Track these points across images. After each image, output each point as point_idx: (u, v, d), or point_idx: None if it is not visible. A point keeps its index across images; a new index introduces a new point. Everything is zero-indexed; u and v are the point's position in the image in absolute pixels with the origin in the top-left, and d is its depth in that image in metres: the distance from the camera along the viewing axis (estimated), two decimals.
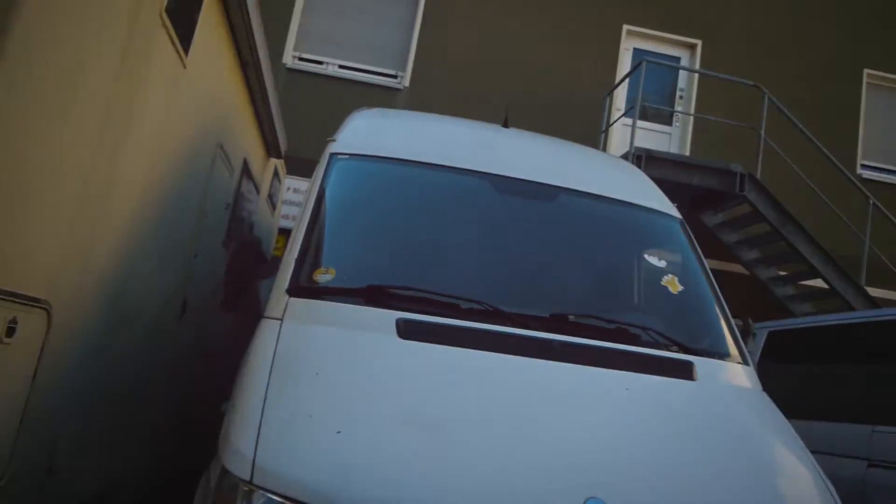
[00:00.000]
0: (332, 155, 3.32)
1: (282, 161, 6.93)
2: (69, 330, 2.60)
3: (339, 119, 10.09)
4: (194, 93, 3.74)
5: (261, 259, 3.08)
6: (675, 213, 3.64)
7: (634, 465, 2.10)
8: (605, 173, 3.75)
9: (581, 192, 3.35)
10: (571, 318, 2.73)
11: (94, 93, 2.56)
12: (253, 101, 5.17)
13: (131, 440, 3.63)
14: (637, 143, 8.27)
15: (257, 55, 4.60)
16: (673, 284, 3.11)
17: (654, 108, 9.78)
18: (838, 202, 8.50)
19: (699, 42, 10.75)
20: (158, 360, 3.79)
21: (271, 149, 6.11)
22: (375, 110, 4.16)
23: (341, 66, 10.18)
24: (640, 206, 3.47)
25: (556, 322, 2.68)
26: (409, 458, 1.97)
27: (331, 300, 2.61)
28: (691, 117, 10.18)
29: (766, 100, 8.57)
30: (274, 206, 7.02)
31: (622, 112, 9.82)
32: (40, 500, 2.55)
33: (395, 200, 3.17)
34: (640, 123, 8.71)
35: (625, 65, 10.52)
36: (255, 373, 2.31)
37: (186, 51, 3.44)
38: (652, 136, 10.00)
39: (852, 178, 8.75)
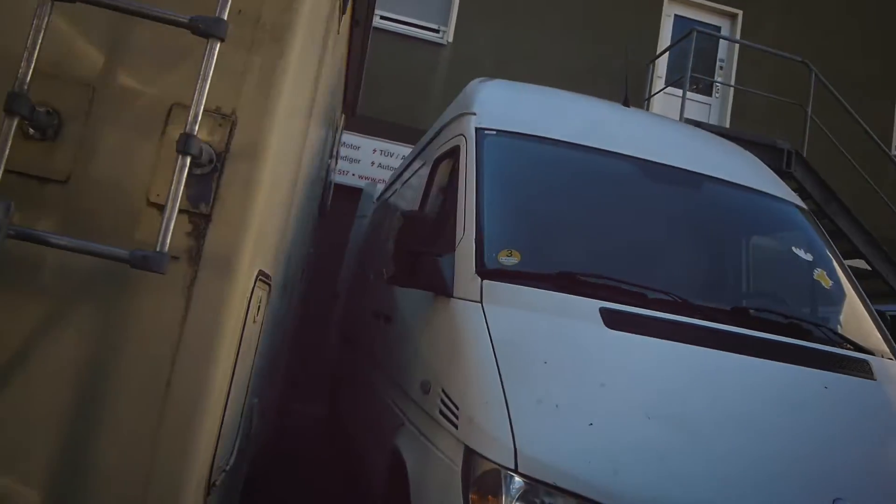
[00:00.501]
0: (478, 130, 3.31)
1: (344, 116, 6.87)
2: (272, 300, 2.63)
3: (384, 71, 9.90)
4: (337, 56, 3.70)
5: (427, 233, 3.10)
6: (803, 204, 3.72)
7: (864, 466, 2.22)
8: (736, 162, 3.81)
9: (730, 182, 3.41)
10: (752, 311, 2.82)
11: (308, 81, 2.55)
12: (349, 58, 5.10)
13: (273, 390, 3.71)
14: (675, 114, 8.30)
15: (371, 14, 4.54)
16: (824, 279, 3.21)
17: (705, 79, 9.75)
18: (874, 182, 8.65)
19: (740, 12, 10.70)
20: (289, 317, 3.84)
21: (350, 107, 6.05)
22: (497, 81, 4.11)
23: (382, 17, 10.00)
24: (780, 198, 3.55)
25: (738, 315, 2.77)
26: (666, 454, 2.06)
27: (523, 284, 2.65)
28: (731, 89, 10.19)
29: (814, 76, 8.61)
30: (336, 163, 6.98)
31: (663, 80, 9.81)
32: (238, 467, 2.61)
33: (562, 184, 3.20)
34: (679, 93, 8.70)
35: (666, 32, 10.46)
36: (477, 357, 2.36)
37: (342, 15, 3.40)
38: (692, 107, 10.01)
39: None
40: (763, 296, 3.15)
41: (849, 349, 2.83)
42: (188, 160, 1.64)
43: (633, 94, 9.54)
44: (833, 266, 3.34)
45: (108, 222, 1.75)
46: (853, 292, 3.24)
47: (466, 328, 2.52)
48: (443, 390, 2.49)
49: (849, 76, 10.14)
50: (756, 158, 4.08)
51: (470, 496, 2.13)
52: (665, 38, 10.29)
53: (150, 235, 1.73)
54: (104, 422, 1.68)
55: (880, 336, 3.05)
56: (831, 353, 2.72)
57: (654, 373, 2.35)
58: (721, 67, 10.50)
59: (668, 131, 3.91)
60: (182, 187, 1.63)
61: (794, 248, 3.34)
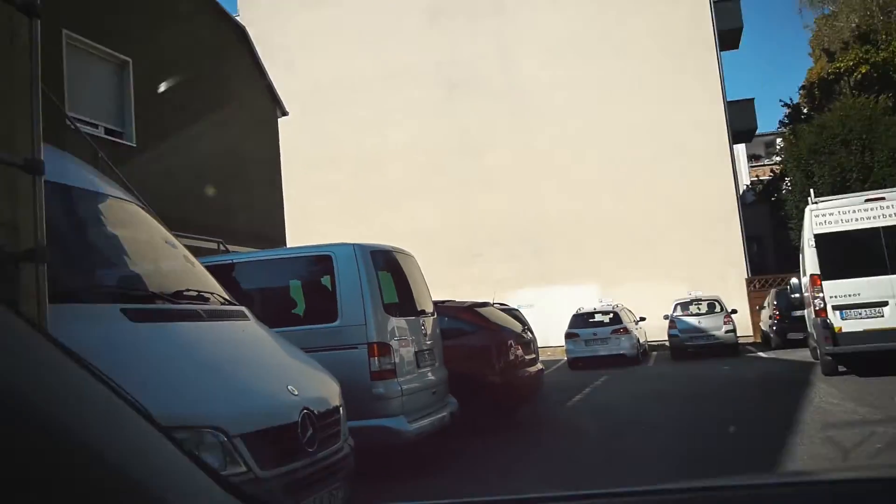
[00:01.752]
0: None
1: None
2: None
3: None
4: None
5: None
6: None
7: (288, 366, 4.11)
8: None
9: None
10: (185, 292, 4.24)
11: None
12: None
13: None
14: None
15: None
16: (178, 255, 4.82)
17: None
18: None
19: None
20: None
21: None
22: None
23: None
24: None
25: (180, 296, 4.17)
26: (232, 386, 3.51)
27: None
28: None
29: None
30: None
31: None
32: None
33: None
34: None
35: None
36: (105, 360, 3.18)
37: None
38: None
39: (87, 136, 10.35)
40: (172, 276, 4.53)
41: (231, 304, 4.58)
42: None
43: None
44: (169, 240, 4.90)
45: None
46: (187, 255, 4.87)
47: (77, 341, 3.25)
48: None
49: None
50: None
51: None
52: None
53: None
54: None
55: (217, 285, 4.83)
56: (233, 309, 4.43)
57: (187, 340, 3.67)
58: None
59: None
60: None
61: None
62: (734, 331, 19.57)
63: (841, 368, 12.26)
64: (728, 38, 30.33)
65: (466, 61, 27.92)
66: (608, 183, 26.06)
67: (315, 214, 25.61)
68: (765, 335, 21.36)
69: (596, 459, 7.03)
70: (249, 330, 4.37)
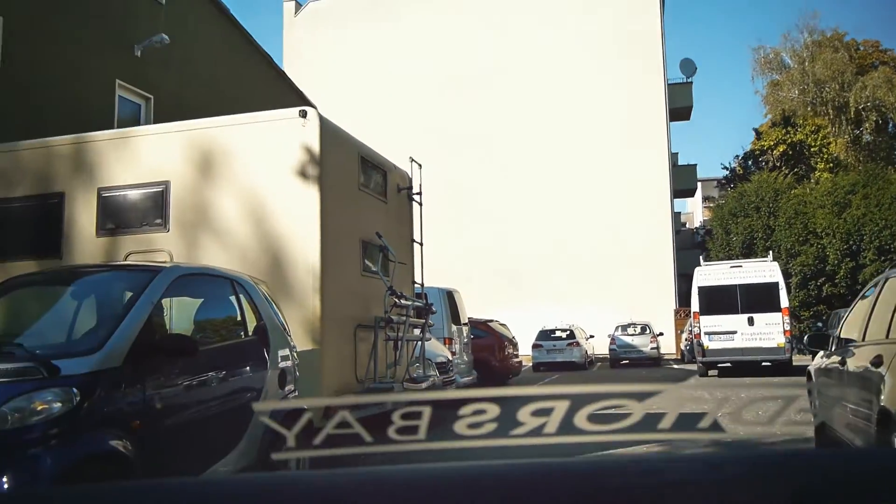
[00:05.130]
0: None
1: None
2: None
3: None
4: None
5: None
6: None
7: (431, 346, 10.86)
8: None
9: None
10: None
11: None
12: None
13: None
14: None
15: None
16: None
17: None
18: None
19: (152, 96, 16.58)
20: None
21: None
22: None
23: None
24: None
25: None
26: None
27: None
28: None
29: None
30: None
31: None
32: None
33: None
34: None
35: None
36: None
37: None
38: None
39: None
40: None
41: None
42: None
43: None
44: None
45: None
46: None
47: None
48: None
49: None
50: None
51: None
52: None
53: None
54: None
55: None
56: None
57: None
58: None
59: None
60: None
61: None
62: (658, 348, 26.57)
63: (711, 373, 19.27)
64: (681, 112, 38.01)
65: (463, 124, 35.00)
66: (573, 229, 33.18)
67: None
68: (682, 352, 28.42)
69: None
70: None
